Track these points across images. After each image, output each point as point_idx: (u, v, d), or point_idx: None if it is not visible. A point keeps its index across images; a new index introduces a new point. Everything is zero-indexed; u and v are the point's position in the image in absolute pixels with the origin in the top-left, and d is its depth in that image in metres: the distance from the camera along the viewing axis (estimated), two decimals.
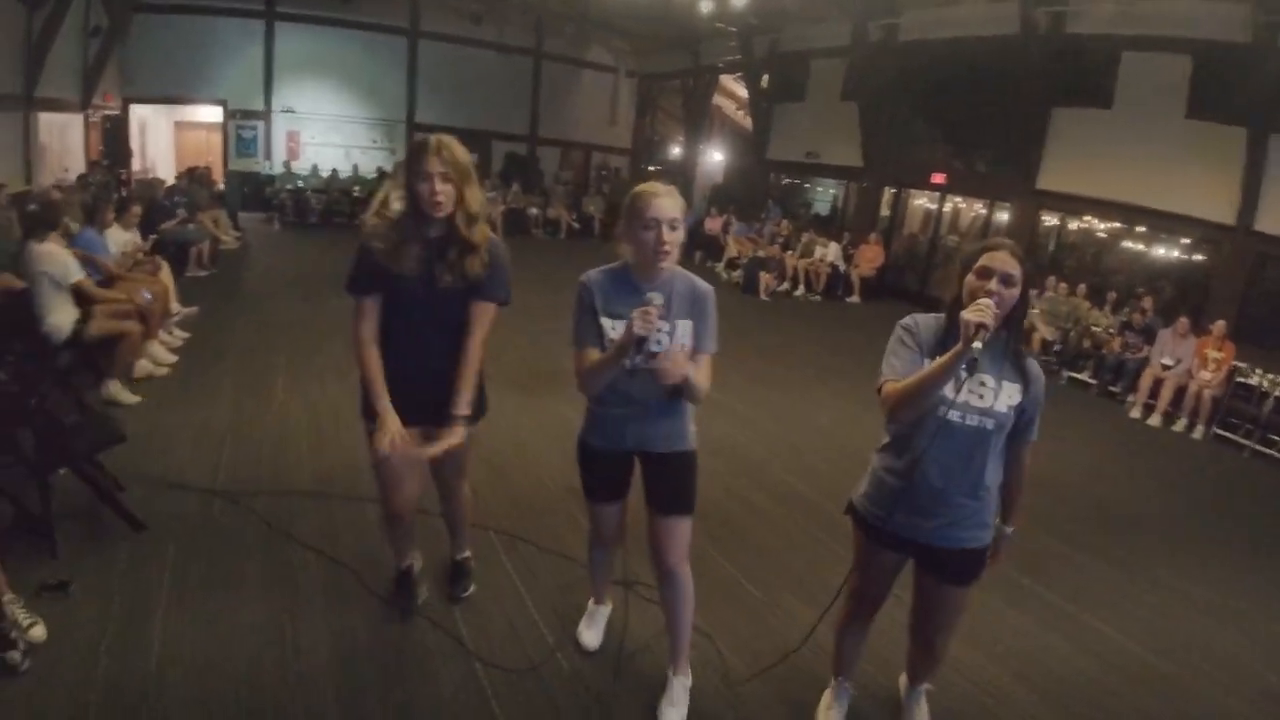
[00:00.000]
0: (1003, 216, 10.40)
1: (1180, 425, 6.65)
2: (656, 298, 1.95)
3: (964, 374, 1.78)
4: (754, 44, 12.92)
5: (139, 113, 12.83)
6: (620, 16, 13.20)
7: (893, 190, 12.16)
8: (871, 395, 2.04)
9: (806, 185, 15.98)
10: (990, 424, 1.91)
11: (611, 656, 2.61)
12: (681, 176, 17.22)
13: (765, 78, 13.62)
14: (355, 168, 13.82)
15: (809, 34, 12.17)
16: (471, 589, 2.90)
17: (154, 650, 2.43)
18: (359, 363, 2.33)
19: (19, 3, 7.74)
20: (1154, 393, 6.85)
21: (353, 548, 3.14)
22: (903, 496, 1.98)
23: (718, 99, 17.28)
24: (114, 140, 11.66)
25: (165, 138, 14.28)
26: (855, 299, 11.15)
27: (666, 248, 2.03)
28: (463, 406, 2.33)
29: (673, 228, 2.04)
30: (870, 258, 11.47)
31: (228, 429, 4.25)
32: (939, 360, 1.81)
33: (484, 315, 2.34)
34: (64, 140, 9.81)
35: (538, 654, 2.62)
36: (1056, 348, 7.89)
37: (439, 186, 2.15)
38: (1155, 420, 6.72)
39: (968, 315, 1.75)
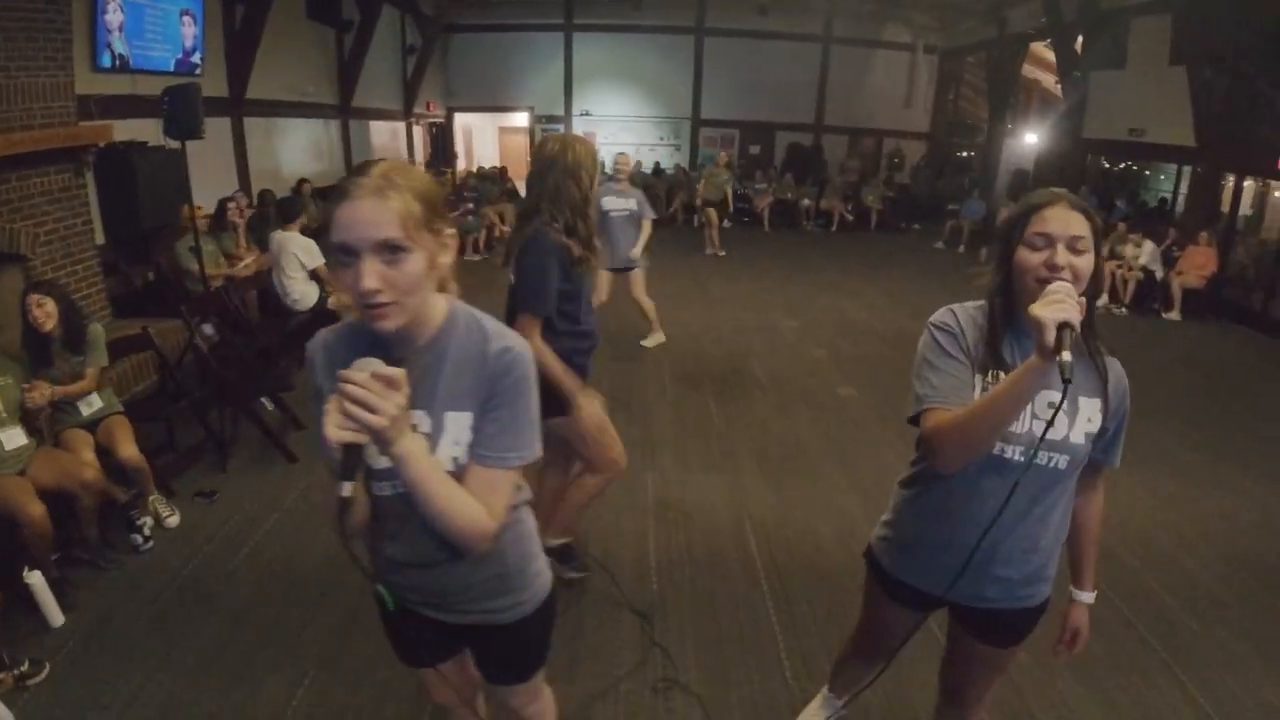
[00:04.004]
0: None
1: None
2: (370, 364, 1.05)
3: (1062, 402, 1.18)
4: (1063, 3, 11.03)
5: (464, 120, 15.50)
6: None
7: (1234, 177, 9.50)
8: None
9: (1147, 171, 13.26)
10: (1064, 462, 1.36)
11: None
12: (984, 160, 15.49)
13: (1079, 41, 11.54)
14: (639, 164, 14.92)
15: None
16: None
17: (245, 550, 3.17)
18: None
19: (328, 27, 9.66)
20: None
21: None
22: (934, 549, 1.49)
23: (1035, 71, 15.09)
24: (441, 143, 14.27)
25: (491, 141, 16.93)
26: (1174, 315, 8.76)
27: (373, 297, 1.06)
28: None
29: (393, 249, 1.06)
30: (1199, 263, 8.95)
31: None
32: (1007, 380, 1.22)
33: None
34: (395, 143, 12.35)
35: None
36: None
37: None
38: None
39: (1043, 313, 1.13)
